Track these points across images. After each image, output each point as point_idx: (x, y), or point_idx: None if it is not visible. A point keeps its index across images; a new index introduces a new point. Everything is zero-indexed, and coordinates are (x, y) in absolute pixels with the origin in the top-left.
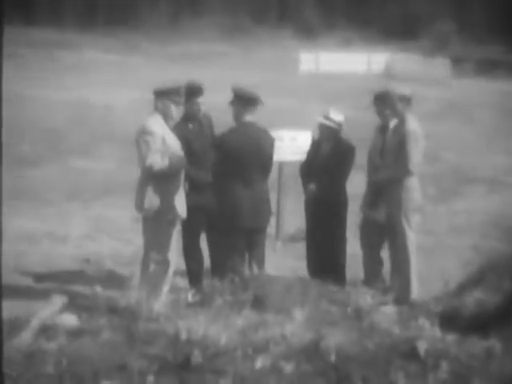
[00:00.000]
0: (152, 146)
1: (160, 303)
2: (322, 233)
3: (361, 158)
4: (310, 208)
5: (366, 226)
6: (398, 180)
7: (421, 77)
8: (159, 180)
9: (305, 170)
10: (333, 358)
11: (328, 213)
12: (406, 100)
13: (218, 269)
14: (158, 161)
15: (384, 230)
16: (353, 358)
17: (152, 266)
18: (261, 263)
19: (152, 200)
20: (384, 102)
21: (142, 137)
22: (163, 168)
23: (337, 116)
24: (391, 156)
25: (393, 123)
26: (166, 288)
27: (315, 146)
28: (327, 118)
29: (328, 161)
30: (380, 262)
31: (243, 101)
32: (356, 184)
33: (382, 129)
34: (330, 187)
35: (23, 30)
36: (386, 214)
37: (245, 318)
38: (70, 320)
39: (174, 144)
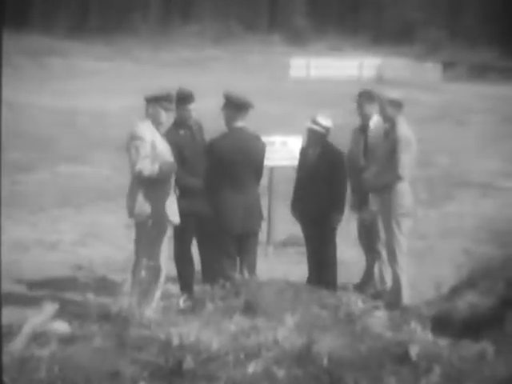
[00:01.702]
0: (141, 151)
1: (151, 309)
2: (313, 240)
3: None
4: (299, 215)
5: (360, 227)
6: (389, 185)
7: (413, 81)
8: (150, 185)
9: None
10: (325, 362)
11: (316, 219)
12: (397, 104)
13: (210, 274)
14: (147, 166)
15: (375, 230)
16: (345, 362)
17: (143, 272)
18: (252, 268)
19: (143, 205)
20: (366, 99)
21: (131, 142)
22: (153, 173)
23: (324, 121)
24: (382, 160)
25: (372, 123)
26: (157, 294)
27: (303, 152)
28: (315, 122)
29: (316, 166)
30: (377, 264)
31: (234, 106)
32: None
33: (362, 129)
34: (317, 193)
35: (14, 36)
36: (373, 214)
37: (236, 323)
38: (62, 327)
39: (164, 150)
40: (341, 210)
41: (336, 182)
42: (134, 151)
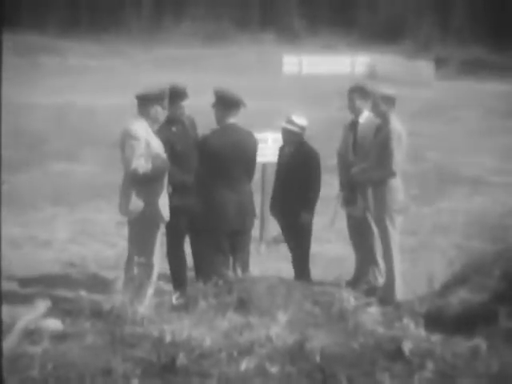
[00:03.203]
0: (136, 150)
1: (144, 306)
2: (289, 239)
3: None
4: (276, 214)
5: (350, 224)
6: (381, 181)
7: (404, 78)
8: (143, 183)
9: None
10: (318, 359)
11: (290, 218)
12: (390, 101)
13: (202, 271)
14: (142, 165)
15: (365, 226)
16: (338, 358)
17: (136, 270)
18: (245, 266)
19: (136, 203)
20: (358, 94)
21: (126, 141)
22: (147, 171)
23: (299, 120)
24: (372, 156)
25: (363, 118)
26: (150, 291)
27: (280, 151)
28: (289, 121)
29: (290, 165)
30: (370, 260)
31: (226, 103)
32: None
33: (352, 125)
34: (291, 192)
35: (6, 35)
36: (362, 210)
37: (229, 320)
38: (54, 324)
39: (158, 147)
40: (310, 210)
41: (309, 181)
42: (128, 150)
